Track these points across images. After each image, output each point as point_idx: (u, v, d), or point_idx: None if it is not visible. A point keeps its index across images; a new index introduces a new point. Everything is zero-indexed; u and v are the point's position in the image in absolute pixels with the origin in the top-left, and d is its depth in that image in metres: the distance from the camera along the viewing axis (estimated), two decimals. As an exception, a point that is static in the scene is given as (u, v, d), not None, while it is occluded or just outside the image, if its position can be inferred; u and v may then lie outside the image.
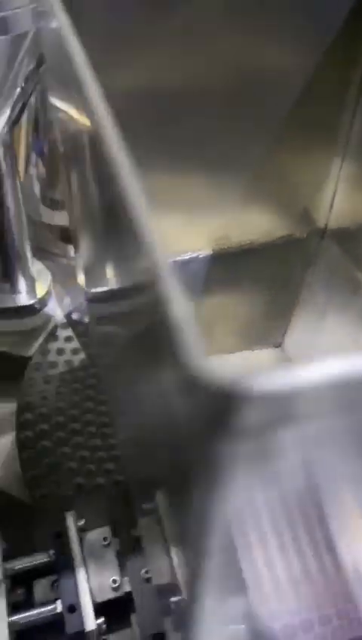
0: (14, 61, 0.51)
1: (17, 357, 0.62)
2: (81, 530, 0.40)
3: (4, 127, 0.54)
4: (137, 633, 0.37)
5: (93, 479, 0.50)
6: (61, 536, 0.40)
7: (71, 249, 0.84)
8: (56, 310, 0.68)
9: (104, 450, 0.53)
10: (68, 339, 0.63)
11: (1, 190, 0.54)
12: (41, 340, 0.64)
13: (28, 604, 0.38)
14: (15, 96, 0.54)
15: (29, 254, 0.63)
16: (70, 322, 0.65)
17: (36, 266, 0.67)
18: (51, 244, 0.82)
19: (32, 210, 0.76)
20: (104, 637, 0.37)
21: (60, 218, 0.81)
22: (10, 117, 0.54)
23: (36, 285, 0.66)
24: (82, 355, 0.62)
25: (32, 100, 0.56)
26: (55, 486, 0.50)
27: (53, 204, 0.80)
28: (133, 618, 0.38)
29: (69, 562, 0.38)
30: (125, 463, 0.44)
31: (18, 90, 0.53)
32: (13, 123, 0.55)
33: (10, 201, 0.56)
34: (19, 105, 0.54)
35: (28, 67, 0.52)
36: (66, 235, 0.82)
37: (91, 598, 0.37)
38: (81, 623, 0.36)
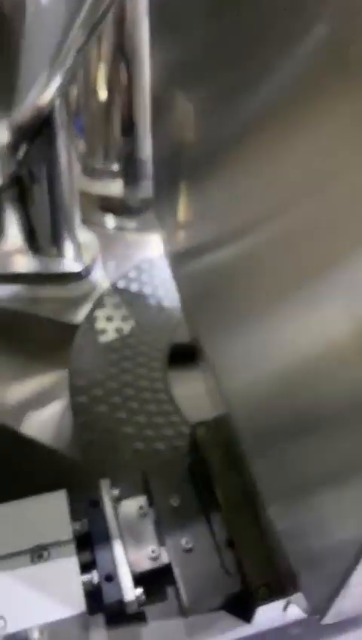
0: (69, 30, 0.49)
1: (65, 324, 0.61)
2: (116, 500, 0.39)
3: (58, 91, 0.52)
4: (176, 605, 0.36)
5: (151, 444, 0.49)
6: (96, 504, 0.38)
7: (110, 219, 0.82)
8: (102, 277, 0.66)
9: (161, 416, 0.51)
10: (116, 306, 0.62)
11: (55, 144, 0.53)
12: (88, 307, 0.62)
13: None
14: (67, 66, 0.52)
15: (77, 218, 0.62)
16: (117, 290, 0.64)
17: (83, 233, 0.65)
18: (91, 213, 0.80)
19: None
20: (141, 608, 0.36)
21: (101, 187, 0.79)
22: (62, 83, 0.53)
23: (83, 252, 0.65)
24: (132, 323, 0.60)
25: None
26: (112, 451, 0.48)
27: (94, 173, 0.78)
28: (172, 590, 0.37)
29: (104, 531, 0.36)
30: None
31: (69, 61, 0.51)
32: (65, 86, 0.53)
33: (63, 157, 0.54)
34: (70, 73, 0.52)
35: (80, 40, 0.50)
36: (105, 205, 0.81)
37: (129, 567, 0.35)
38: (120, 591, 0.34)
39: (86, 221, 0.71)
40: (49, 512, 0.37)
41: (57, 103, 0.51)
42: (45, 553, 0.35)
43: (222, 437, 0.40)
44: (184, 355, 0.60)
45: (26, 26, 0.42)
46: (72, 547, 0.35)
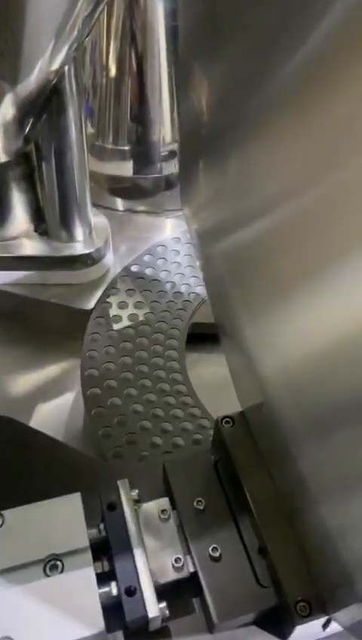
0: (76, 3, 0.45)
1: (76, 310, 0.57)
2: (135, 502, 0.35)
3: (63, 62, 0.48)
4: (203, 619, 0.32)
5: (170, 438, 0.45)
6: (114, 508, 0.34)
7: (120, 201, 0.78)
8: (114, 262, 0.63)
9: (179, 408, 0.48)
10: (129, 292, 0.58)
11: (65, 118, 0.49)
12: (99, 292, 0.59)
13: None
14: (73, 37, 0.48)
15: (88, 200, 0.58)
16: (130, 275, 0.60)
17: (94, 216, 0.62)
18: (100, 196, 0.77)
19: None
20: (165, 624, 0.32)
21: (110, 168, 0.75)
22: (67, 54, 0.49)
23: (94, 235, 0.61)
24: (146, 309, 0.56)
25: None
26: (129, 444, 0.45)
27: (103, 154, 0.75)
28: (198, 602, 0.33)
29: (123, 538, 0.33)
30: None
31: (76, 31, 0.47)
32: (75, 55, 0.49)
33: (73, 132, 0.50)
34: (76, 44, 0.48)
35: (86, 10, 0.46)
36: (115, 187, 0.77)
37: (152, 579, 0.31)
38: (143, 607, 0.30)
39: (95, 204, 0.67)
40: (62, 518, 0.33)
41: (67, 75, 0.47)
42: (59, 564, 0.31)
43: (250, 432, 0.37)
44: (203, 341, 0.57)
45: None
46: (89, 556, 0.32)
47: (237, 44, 0.29)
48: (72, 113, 0.49)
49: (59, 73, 0.48)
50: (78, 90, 0.49)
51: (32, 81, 0.46)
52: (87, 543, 0.32)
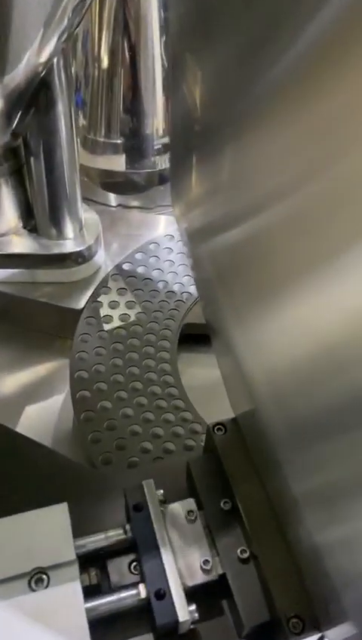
0: None
1: (67, 309, 0.56)
2: (161, 502, 0.34)
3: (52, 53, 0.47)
4: (232, 622, 0.32)
5: (161, 444, 0.44)
6: (140, 509, 0.34)
7: (112, 197, 0.77)
8: (105, 260, 0.62)
9: (170, 412, 0.47)
10: (121, 291, 0.57)
11: (54, 112, 0.47)
12: (90, 291, 0.57)
13: (103, 588, 0.33)
14: (63, 27, 0.46)
15: (79, 195, 0.57)
16: (121, 273, 0.59)
17: (84, 211, 0.60)
18: (91, 190, 0.75)
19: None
20: (193, 626, 0.32)
21: (102, 162, 0.74)
22: (56, 44, 0.47)
23: (85, 232, 0.60)
24: (138, 309, 0.55)
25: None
26: (118, 450, 0.44)
27: (95, 147, 0.73)
28: (227, 605, 0.32)
29: (150, 540, 0.32)
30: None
31: (66, 21, 0.46)
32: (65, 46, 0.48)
33: (62, 126, 0.49)
34: (66, 35, 0.47)
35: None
36: (107, 182, 0.76)
37: (181, 582, 0.31)
38: (174, 611, 0.30)
39: (86, 199, 0.66)
40: (48, 529, 0.32)
41: (55, 67, 0.45)
42: (45, 577, 0.30)
43: (242, 439, 0.36)
44: (196, 342, 0.55)
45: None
46: (76, 570, 0.31)
47: (230, 36, 0.28)
48: (61, 107, 0.48)
49: (48, 65, 0.46)
50: (68, 84, 0.47)
51: (19, 73, 0.45)
52: (73, 556, 0.31)
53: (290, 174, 0.24)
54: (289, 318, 0.24)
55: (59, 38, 0.45)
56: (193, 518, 0.34)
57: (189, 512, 0.34)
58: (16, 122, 0.48)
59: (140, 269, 0.60)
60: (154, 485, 0.34)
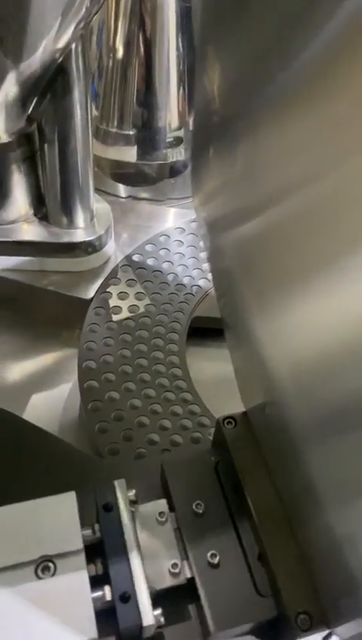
0: None
1: (75, 299, 0.56)
2: (132, 503, 0.34)
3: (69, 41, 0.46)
4: (199, 627, 0.31)
5: (168, 436, 0.44)
6: (110, 509, 0.33)
7: (122, 188, 0.77)
8: (116, 251, 0.61)
9: (178, 405, 0.46)
10: (130, 282, 0.57)
11: (69, 99, 0.47)
12: (99, 282, 0.57)
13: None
14: (81, 15, 0.46)
15: (91, 185, 0.56)
16: (131, 264, 0.59)
17: (97, 202, 0.60)
18: (102, 181, 0.75)
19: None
20: (159, 630, 0.31)
21: (114, 152, 0.74)
22: (73, 33, 0.47)
23: (95, 222, 0.59)
24: (147, 301, 0.55)
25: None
26: (125, 441, 0.43)
27: (107, 138, 0.73)
28: (194, 609, 0.32)
29: (119, 541, 0.32)
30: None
31: (84, 9, 0.45)
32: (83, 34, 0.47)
33: (77, 114, 0.48)
34: (83, 22, 0.46)
35: None
36: (118, 173, 0.75)
37: (147, 585, 0.30)
38: (138, 615, 0.29)
39: (96, 189, 0.65)
40: (56, 518, 0.32)
41: (73, 53, 0.45)
42: (52, 566, 0.30)
43: (253, 433, 0.35)
44: (204, 335, 0.55)
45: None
46: (83, 559, 0.31)
47: (257, 29, 0.28)
48: (77, 94, 0.47)
49: (65, 52, 0.46)
50: (85, 71, 0.47)
51: (36, 60, 0.45)
52: (81, 545, 0.31)
53: (309, 165, 0.23)
54: (319, 305, 0.24)
55: (76, 26, 0.45)
56: (164, 519, 0.33)
57: (160, 513, 0.33)
58: (31, 108, 0.48)
59: (150, 261, 0.59)
60: (125, 485, 0.34)
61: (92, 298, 0.55)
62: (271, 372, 0.31)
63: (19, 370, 0.56)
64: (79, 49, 0.46)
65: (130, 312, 0.54)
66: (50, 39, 0.44)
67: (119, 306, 0.54)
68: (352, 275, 0.21)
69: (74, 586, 0.30)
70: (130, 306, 0.54)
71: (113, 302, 0.54)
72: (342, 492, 0.25)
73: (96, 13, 0.47)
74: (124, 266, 0.58)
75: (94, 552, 0.32)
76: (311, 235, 0.24)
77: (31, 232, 0.58)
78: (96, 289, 0.56)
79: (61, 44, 0.45)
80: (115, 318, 0.53)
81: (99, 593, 0.30)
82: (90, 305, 0.54)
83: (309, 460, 0.28)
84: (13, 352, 0.57)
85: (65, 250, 0.57)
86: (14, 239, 0.57)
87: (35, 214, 0.59)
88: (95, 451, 0.44)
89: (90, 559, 0.31)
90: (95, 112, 0.72)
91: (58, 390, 0.53)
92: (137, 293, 0.56)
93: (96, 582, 0.30)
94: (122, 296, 0.55)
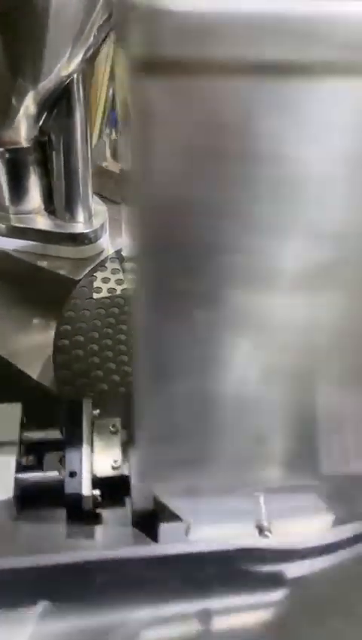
0: (92, 10, 0.55)
1: (67, 279, 0.68)
2: (94, 418, 0.45)
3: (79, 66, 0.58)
4: (129, 512, 0.42)
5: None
6: (74, 417, 0.44)
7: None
8: (108, 244, 0.73)
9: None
10: (114, 271, 0.68)
11: (72, 117, 0.59)
12: (90, 267, 0.69)
13: (36, 469, 0.43)
14: (89, 43, 0.57)
15: (90, 188, 0.68)
16: (119, 257, 0.70)
17: (94, 203, 0.72)
18: (112, 192, 0.87)
19: (98, 155, 0.82)
20: (99, 510, 0.42)
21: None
22: (83, 59, 0.58)
23: (93, 219, 0.71)
24: (124, 286, 0.66)
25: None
26: (85, 388, 0.55)
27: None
28: (128, 500, 0.42)
29: (78, 439, 0.43)
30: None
31: (92, 38, 0.57)
32: (88, 61, 0.59)
33: (78, 130, 0.60)
34: (92, 49, 0.58)
35: (102, 17, 0.56)
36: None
37: (91, 469, 0.41)
38: (79, 486, 0.40)
39: (106, 199, 0.77)
40: (4, 418, 0.43)
41: (75, 78, 0.57)
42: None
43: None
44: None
45: (53, 6, 0.49)
46: (15, 448, 0.42)
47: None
48: (78, 112, 0.60)
49: (71, 76, 0.58)
50: (85, 95, 0.59)
51: (50, 81, 0.57)
52: (17, 438, 0.42)
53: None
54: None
55: (85, 53, 0.57)
56: (115, 431, 0.44)
57: (113, 425, 0.44)
58: (42, 121, 0.60)
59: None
60: (91, 403, 0.45)
61: (80, 279, 0.67)
62: None
63: (14, 333, 0.68)
64: (80, 77, 0.58)
65: (109, 293, 0.65)
66: (63, 64, 0.56)
67: (100, 287, 0.66)
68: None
69: (5, 463, 0.41)
70: (109, 288, 0.66)
71: (96, 284, 0.66)
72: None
73: (102, 42, 0.59)
74: (112, 258, 0.70)
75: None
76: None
77: (41, 222, 0.71)
78: (85, 272, 0.68)
79: (70, 68, 0.57)
80: (95, 296, 0.64)
81: (26, 474, 0.41)
82: (78, 284, 0.66)
83: None
84: (11, 319, 0.69)
85: (67, 240, 0.70)
86: (29, 226, 0.70)
87: (46, 209, 0.71)
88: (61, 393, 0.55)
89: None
90: (114, 135, 0.85)
91: (43, 350, 0.65)
92: (118, 279, 0.67)
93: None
94: (105, 280, 0.67)
